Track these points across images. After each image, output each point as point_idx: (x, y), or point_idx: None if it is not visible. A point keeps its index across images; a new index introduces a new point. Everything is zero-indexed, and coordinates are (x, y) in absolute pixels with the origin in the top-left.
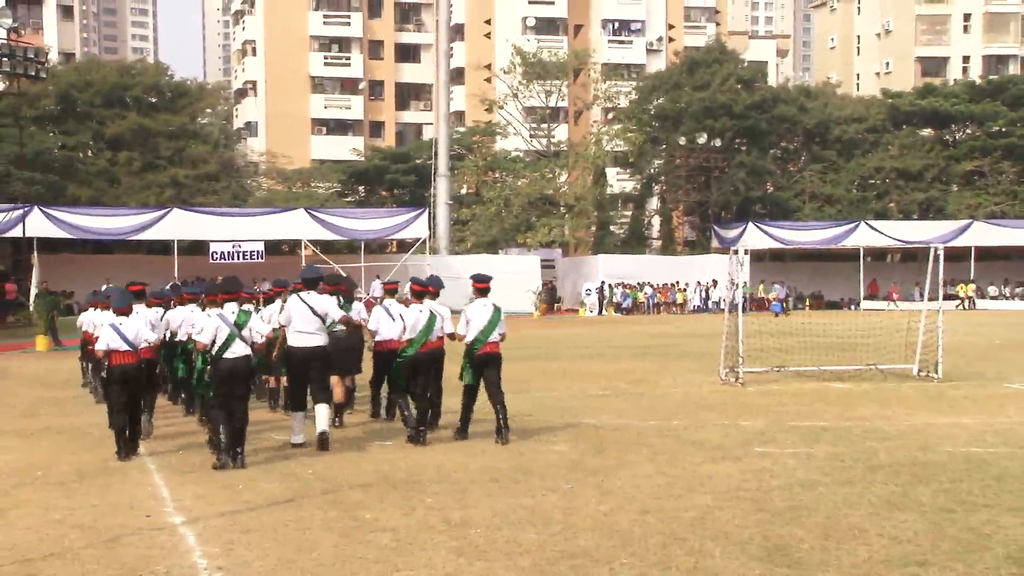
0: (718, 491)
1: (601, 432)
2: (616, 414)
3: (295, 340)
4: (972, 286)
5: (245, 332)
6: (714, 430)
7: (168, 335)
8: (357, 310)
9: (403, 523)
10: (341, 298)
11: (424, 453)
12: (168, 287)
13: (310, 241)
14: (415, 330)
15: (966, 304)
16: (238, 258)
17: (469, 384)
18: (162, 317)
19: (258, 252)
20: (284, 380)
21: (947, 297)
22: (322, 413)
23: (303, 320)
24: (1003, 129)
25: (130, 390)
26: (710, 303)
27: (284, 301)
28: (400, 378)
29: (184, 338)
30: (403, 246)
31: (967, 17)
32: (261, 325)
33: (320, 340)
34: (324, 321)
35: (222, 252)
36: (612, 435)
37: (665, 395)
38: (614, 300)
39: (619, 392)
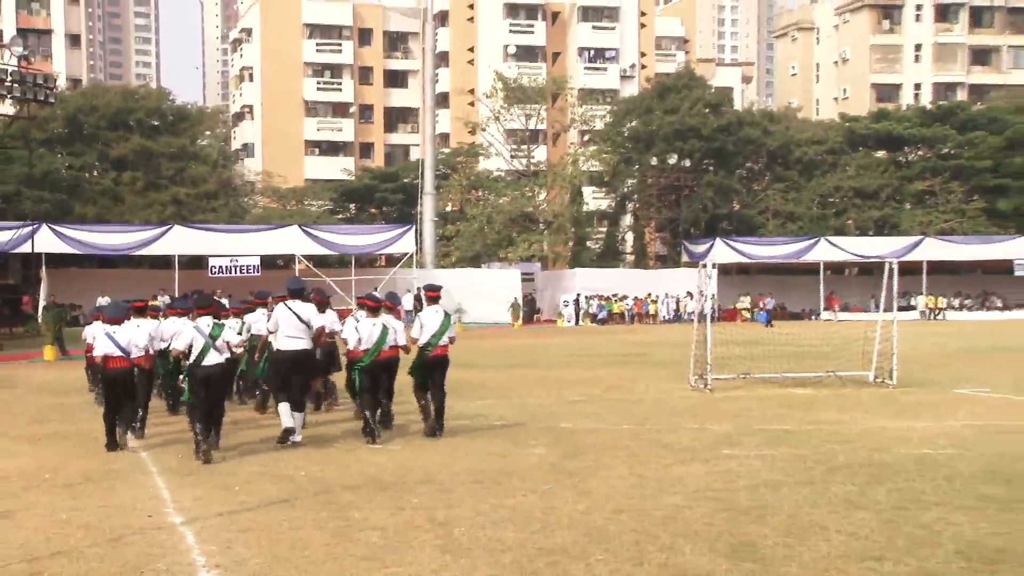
0: (688, 491)
1: (578, 436)
2: (592, 419)
3: (283, 344)
4: (942, 299)
5: (219, 342)
6: (684, 433)
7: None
8: (331, 319)
9: (391, 522)
10: (316, 308)
11: (410, 456)
12: (167, 301)
13: (303, 256)
14: (371, 341)
15: (935, 315)
16: (236, 272)
17: (420, 382)
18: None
19: (254, 266)
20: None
21: (903, 308)
22: (297, 421)
23: (289, 326)
24: (952, 151)
25: (119, 390)
26: (681, 314)
27: (271, 310)
28: (358, 383)
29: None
30: (391, 260)
31: (918, 47)
32: (232, 336)
33: (305, 344)
34: (309, 327)
35: (220, 266)
36: (588, 438)
37: (638, 401)
38: (590, 311)
39: (595, 398)
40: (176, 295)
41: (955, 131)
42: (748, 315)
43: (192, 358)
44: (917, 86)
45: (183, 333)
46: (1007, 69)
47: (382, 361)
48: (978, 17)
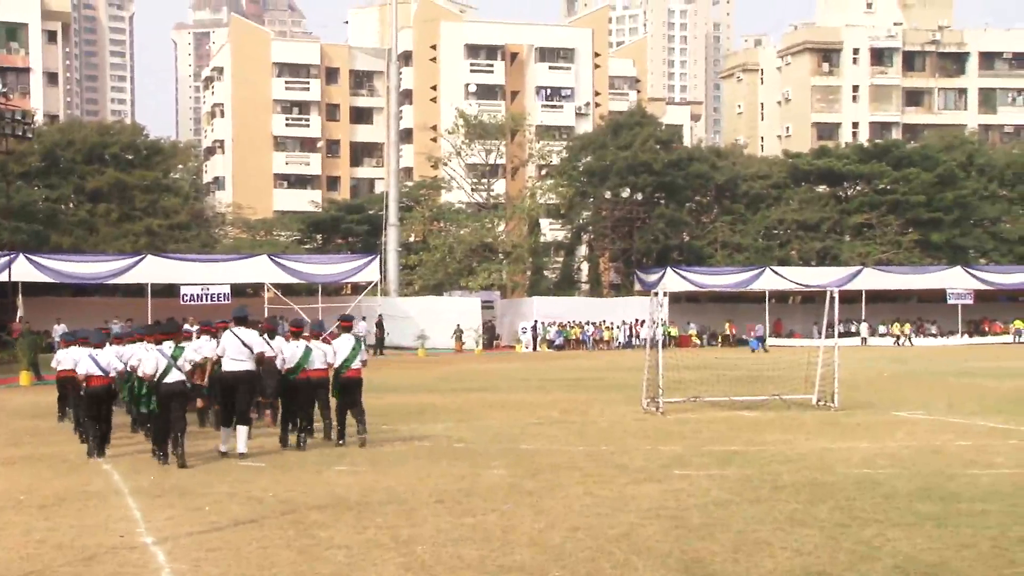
0: (641, 509)
1: (536, 457)
2: (549, 440)
3: (229, 366)
4: (908, 325)
5: (180, 362)
6: (637, 454)
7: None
8: (278, 345)
9: (356, 541)
10: (266, 334)
11: (375, 477)
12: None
13: (272, 284)
14: (293, 360)
15: (902, 341)
16: (207, 300)
17: (340, 401)
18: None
19: (225, 294)
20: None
21: (844, 335)
22: (242, 435)
23: (235, 350)
24: (888, 187)
25: (100, 405)
26: (634, 340)
27: (217, 337)
28: (282, 397)
29: (129, 369)
30: (357, 289)
31: (856, 88)
32: (192, 355)
33: (249, 365)
34: (252, 351)
35: (192, 294)
36: (546, 459)
37: (593, 423)
38: (547, 338)
39: (552, 421)
40: (148, 322)
41: (891, 168)
42: (698, 341)
43: (156, 377)
44: (855, 125)
45: (149, 357)
46: (938, 110)
47: (303, 380)
48: (911, 61)
